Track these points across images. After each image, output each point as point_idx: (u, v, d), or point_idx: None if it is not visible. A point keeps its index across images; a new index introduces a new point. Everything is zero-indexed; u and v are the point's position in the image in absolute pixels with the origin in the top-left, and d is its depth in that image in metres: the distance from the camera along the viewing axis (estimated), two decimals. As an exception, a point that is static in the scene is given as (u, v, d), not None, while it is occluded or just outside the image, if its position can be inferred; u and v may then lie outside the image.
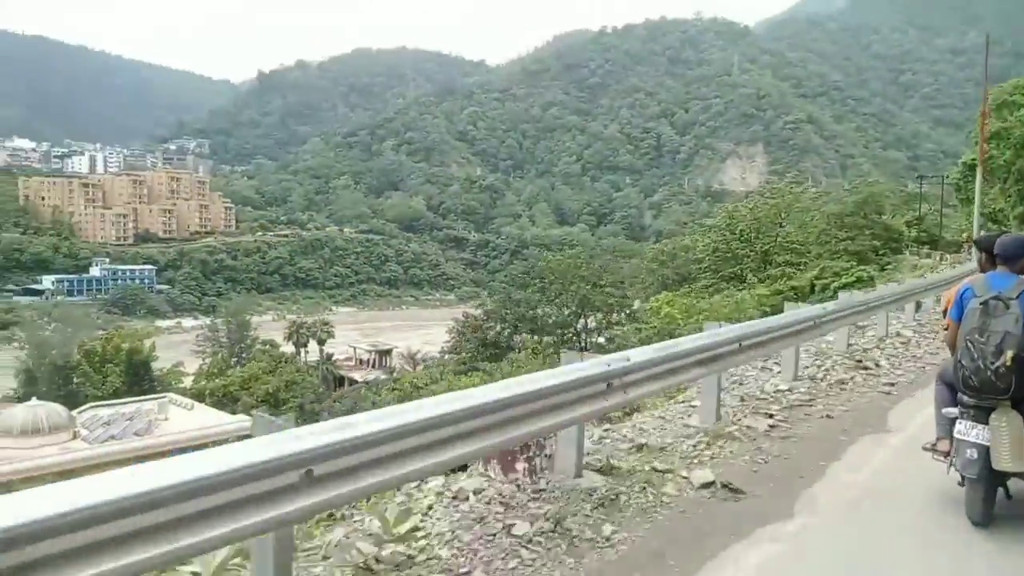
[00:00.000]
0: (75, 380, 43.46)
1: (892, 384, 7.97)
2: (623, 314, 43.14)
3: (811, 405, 6.88)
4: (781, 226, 45.00)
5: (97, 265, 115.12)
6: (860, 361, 9.02)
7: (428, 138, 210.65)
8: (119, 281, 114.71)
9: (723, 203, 77.11)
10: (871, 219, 40.14)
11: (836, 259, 36.05)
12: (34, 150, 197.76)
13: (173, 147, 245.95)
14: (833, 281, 32.21)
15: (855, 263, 35.01)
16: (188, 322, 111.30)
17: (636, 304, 44.50)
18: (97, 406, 37.69)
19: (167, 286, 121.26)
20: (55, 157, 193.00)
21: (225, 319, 63.48)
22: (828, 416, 6.55)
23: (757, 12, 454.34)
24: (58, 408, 34.23)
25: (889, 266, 35.65)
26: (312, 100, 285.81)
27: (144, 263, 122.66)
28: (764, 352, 6.87)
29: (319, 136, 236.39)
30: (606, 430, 5.92)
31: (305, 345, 56.38)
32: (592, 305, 43.51)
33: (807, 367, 8.55)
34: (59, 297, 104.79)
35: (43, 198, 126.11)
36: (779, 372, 8.06)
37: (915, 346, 10.57)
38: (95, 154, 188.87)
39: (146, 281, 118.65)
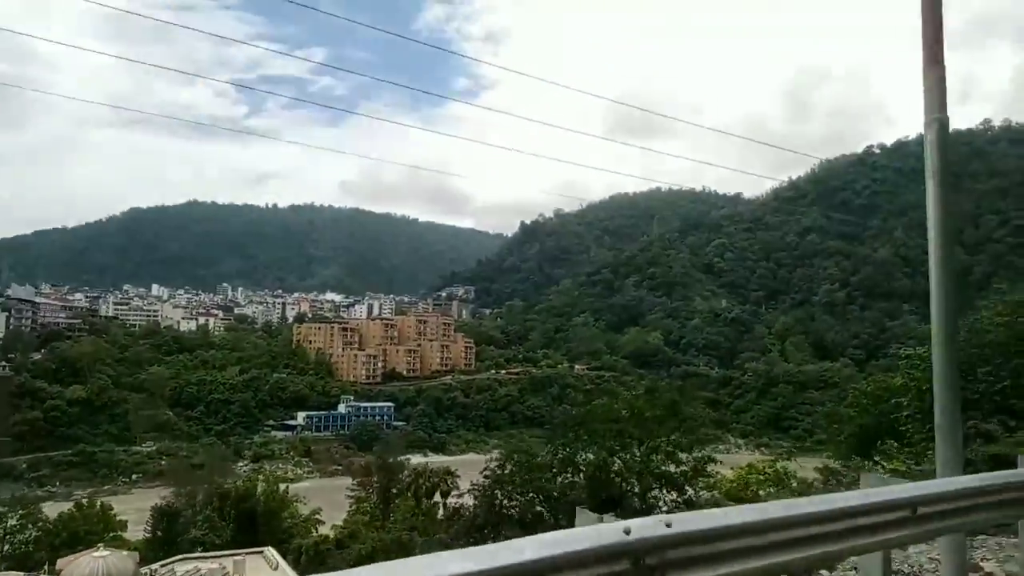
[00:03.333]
0: (201, 525, 43.77)
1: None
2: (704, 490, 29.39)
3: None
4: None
5: (344, 403, 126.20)
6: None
7: (671, 272, 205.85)
8: (361, 417, 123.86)
9: None
10: None
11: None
12: (330, 300, 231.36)
13: (444, 294, 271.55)
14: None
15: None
16: (416, 459, 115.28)
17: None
18: (187, 558, 37.11)
19: (403, 423, 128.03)
20: (343, 307, 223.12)
21: (378, 460, 62.04)
22: None
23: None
24: (126, 560, 33.85)
25: None
26: (568, 245, 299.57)
27: (386, 400, 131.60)
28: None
29: (570, 278, 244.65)
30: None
31: (430, 496, 52.15)
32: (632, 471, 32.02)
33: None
34: (307, 432, 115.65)
35: (311, 341, 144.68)
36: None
37: None
38: (372, 302, 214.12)
39: (385, 417, 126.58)
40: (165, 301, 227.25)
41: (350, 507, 53.45)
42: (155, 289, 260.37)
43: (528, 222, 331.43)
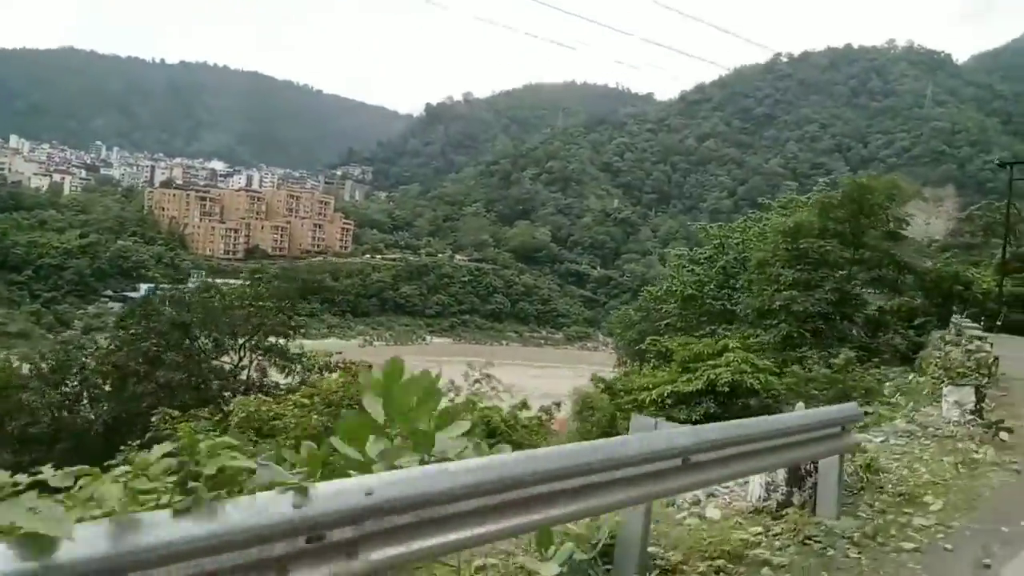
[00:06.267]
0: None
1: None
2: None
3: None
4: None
5: (195, 276, 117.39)
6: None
7: (568, 168, 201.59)
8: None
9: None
10: (863, 239, 23.29)
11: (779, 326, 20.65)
12: (209, 168, 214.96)
13: (339, 173, 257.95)
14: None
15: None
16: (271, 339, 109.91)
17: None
18: None
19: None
20: (222, 176, 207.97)
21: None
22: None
23: (969, 47, 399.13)
24: None
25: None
26: (474, 131, 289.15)
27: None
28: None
29: (473, 166, 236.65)
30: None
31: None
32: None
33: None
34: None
35: (163, 209, 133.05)
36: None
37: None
38: (254, 174, 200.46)
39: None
40: (20, 154, 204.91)
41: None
42: (13, 141, 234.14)
43: (434, 104, 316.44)
